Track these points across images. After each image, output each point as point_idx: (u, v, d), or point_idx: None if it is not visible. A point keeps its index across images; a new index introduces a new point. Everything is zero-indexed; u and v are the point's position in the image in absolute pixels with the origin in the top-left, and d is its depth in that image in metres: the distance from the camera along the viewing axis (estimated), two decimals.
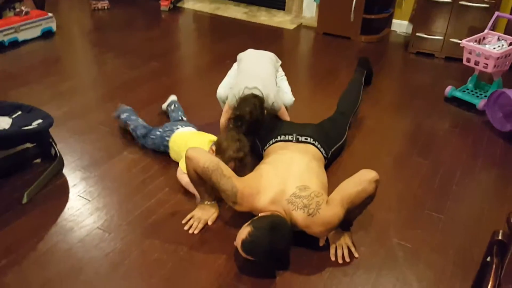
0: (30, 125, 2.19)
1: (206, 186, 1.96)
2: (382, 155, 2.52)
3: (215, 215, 2.02)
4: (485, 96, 2.98)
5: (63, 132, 2.60)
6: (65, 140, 2.54)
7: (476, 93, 3.08)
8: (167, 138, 2.34)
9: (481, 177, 2.37)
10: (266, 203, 1.79)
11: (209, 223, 2.00)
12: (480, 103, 2.92)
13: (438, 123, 2.85)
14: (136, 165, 2.36)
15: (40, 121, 2.24)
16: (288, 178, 1.86)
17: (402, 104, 3.08)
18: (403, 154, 2.54)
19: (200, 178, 1.90)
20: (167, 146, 2.35)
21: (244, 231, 1.67)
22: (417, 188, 2.27)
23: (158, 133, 2.39)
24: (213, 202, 2.04)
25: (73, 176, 2.28)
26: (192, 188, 2.10)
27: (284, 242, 1.68)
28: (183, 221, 2.01)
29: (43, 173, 2.20)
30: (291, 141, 2.19)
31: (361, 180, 1.77)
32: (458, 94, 3.06)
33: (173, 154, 2.34)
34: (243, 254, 1.69)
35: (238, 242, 1.69)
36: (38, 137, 2.31)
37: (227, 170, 1.85)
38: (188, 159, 1.87)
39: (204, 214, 2.01)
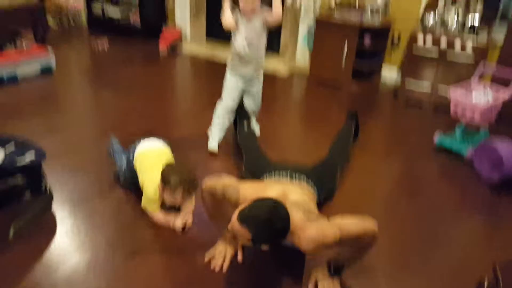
0: (23, 158, 2.20)
1: (223, 212, 1.90)
2: (371, 200, 2.55)
3: (239, 244, 1.90)
4: (473, 145, 3.04)
5: (55, 166, 2.60)
6: (57, 174, 2.54)
7: (464, 142, 3.15)
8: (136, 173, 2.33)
9: (468, 225, 2.39)
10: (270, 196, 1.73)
11: (239, 258, 1.88)
12: (467, 153, 2.99)
13: (426, 170, 2.90)
14: (127, 203, 2.36)
15: (32, 155, 2.25)
16: (289, 193, 1.88)
17: (391, 150, 3.14)
18: (391, 199, 2.57)
19: (215, 206, 1.89)
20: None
21: (245, 204, 1.61)
22: (404, 233, 2.28)
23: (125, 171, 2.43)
24: None
25: (62, 211, 2.26)
26: (166, 222, 2.17)
27: (281, 221, 1.58)
28: (206, 259, 1.93)
29: (32, 207, 2.18)
30: (285, 177, 2.20)
31: (364, 225, 1.68)
32: (446, 144, 3.12)
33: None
34: (237, 225, 1.55)
35: (235, 214, 1.58)
36: (30, 171, 2.31)
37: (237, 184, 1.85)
38: (204, 190, 1.90)
39: (229, 247, 1.92)
